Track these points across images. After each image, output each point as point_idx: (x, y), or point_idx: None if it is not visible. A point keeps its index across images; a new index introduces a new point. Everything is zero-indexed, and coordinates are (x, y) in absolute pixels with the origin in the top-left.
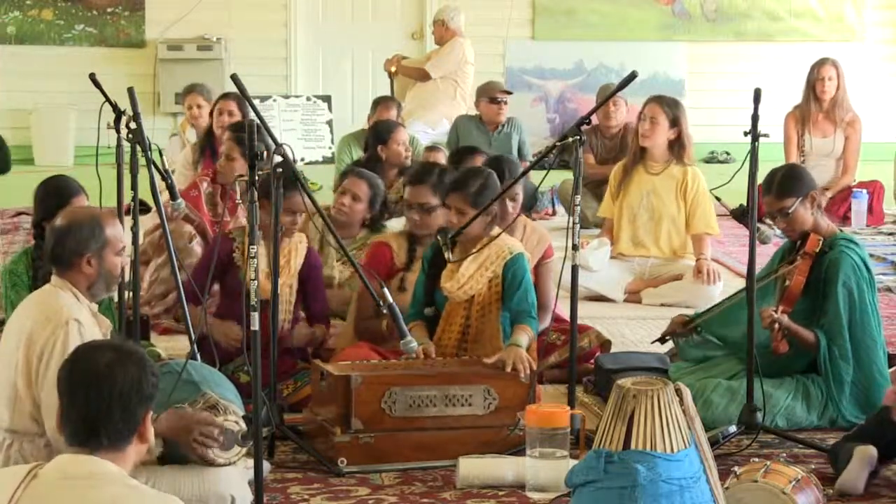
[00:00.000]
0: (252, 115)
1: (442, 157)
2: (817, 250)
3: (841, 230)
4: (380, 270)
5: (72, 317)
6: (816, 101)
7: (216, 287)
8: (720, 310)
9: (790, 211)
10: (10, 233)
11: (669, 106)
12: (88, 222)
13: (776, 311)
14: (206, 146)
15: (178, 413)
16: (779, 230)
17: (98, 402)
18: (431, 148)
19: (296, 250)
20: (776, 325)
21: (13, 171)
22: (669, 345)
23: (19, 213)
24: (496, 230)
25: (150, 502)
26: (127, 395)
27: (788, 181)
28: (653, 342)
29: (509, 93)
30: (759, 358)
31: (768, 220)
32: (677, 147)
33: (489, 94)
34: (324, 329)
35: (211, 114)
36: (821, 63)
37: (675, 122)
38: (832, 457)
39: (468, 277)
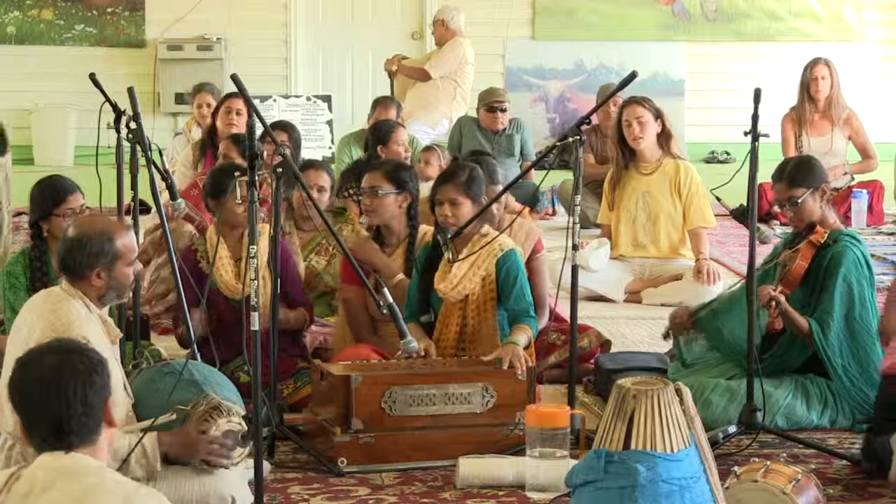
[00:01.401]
0: (257, 115)
1: (436, 158)
2: (822, 240)
3: (846, 227)
4: (353, 277)
5: (80, 334)
6: (811, 102)
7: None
8: (719, 303)
9: (799, 201)
10: (11, 233)
11: (647, 101)
12: (98, 236)
13: (775, 291)
14: (208, 145)
15: (184, 434)
16: (779, 228)
17: (58, 405)
18: (428, 148)
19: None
20: (773, 304)
21: (13, 171)
22: (670, 344)
23: (19, 213)
24: (488, 229)
25: (130, 491)
26: (83, 392)
27: (801, 171)
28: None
29: (505, 101)
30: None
31: (776, 208)
32: (664, 138)
33: (486, 104)
34: (304, 313)
35: (214, 113)
36: (813, 63)
37: (658, 115)
38: (868, 455)
39: (461, 277)
